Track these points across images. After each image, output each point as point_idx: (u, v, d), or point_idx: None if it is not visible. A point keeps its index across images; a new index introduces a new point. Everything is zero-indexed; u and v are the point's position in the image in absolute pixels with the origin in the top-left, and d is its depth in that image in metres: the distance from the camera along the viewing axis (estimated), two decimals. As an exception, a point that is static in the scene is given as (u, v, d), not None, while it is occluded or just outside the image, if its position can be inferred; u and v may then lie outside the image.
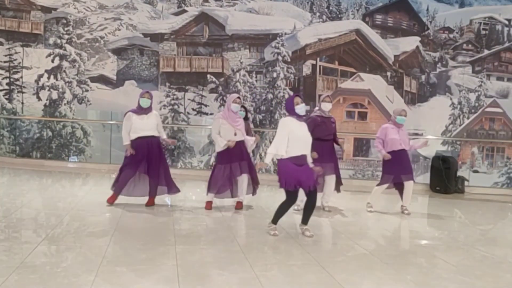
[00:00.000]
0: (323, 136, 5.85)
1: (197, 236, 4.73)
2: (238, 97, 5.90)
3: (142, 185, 5.93)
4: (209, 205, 5.96)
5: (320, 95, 6.15)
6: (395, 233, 5.56)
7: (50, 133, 9.63)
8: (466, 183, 8.82)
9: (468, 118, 9.35)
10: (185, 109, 9.55)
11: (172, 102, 9.50)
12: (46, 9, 9.75)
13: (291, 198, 4.75)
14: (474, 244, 4.97)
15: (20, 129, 9.71)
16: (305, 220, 4.86)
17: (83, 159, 9.60)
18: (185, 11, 9.78)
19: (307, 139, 4.72)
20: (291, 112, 4.72)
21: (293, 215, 5.70)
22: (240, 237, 4.74)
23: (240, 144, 5.85)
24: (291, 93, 9.39)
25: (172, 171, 5.97)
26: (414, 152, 9.34)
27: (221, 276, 3.53)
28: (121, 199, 6.05)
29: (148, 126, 5.79)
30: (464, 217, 7.02)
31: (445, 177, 8.47)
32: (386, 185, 6.28)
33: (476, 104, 9.35)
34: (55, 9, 9.75)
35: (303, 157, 4.68)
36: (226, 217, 5.61)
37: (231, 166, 5.80)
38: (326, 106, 5.93)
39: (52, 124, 9.63)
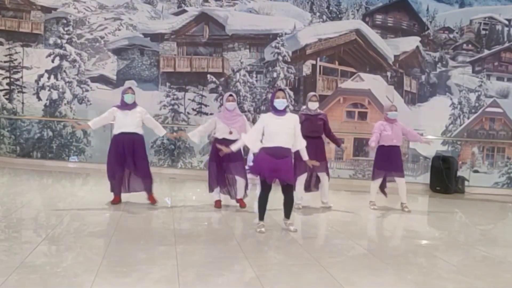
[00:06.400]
0: (308, 133, 5.87)
1: (197, 236, 4.73)
2: (231, 95, 5.90)
3: (134, 180, 5.95)
4: (218, 204, 6.01)
5: (307, 95, 6.29)
6: (395, 233, 5.56)
7: (50, 133, 9.64)
8: (466, 183, 8.82)
9: (468, 118, 9.34)
10: (185, 109, 9.55)
11: (172, 102, 9.50)
12: (46, 9, 9.74)
13: (263, 188, 4.88)
14: (474, 244, 4.97)
15: (21, 129, 9.71)
16: (286, 214, 5.04)
17: (83, 159, 9.60)
18: (185, 11, 9.77)
19: (287, 131, 4.79)
20: (271, 103, 4.88)
21: (292, 215, 5.69)
22: (240, 237, 4.74)
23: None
24: (291, 93, 9.40)
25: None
26: (415, 152, 9.35)
27: (221, 276, 3.53)
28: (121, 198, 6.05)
29: (131, 122, 5.77)
30: (464, 217, 7.01)
31: (445, 177, 8.47)
32: (380, 179, 6.46)
33: (476, 104, 9.34)
34: (55, 9, 9.75)
35: (280, 149, 4.76)
36: (226, 217, 5.61)
37: (222, 164, 5.82)
38: (313, 105, 6.11)
39: (52, 124, 9.64)
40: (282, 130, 4.77)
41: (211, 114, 9.47)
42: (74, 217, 5.16)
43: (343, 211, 6.32)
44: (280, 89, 4.94)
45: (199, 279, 3.44)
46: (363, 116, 9.41)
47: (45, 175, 8.29)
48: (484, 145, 9.31)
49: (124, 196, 5.98)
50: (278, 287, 3.40)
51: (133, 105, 5.84)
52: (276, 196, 7.11)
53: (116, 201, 5.89)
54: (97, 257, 3.79)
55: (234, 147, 5.08)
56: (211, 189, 6.04)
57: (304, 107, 6.32)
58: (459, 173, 8.84)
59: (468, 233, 5.74)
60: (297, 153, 5.76)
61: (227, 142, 5.75)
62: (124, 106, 5.80)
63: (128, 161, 5.78)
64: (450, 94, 9.44)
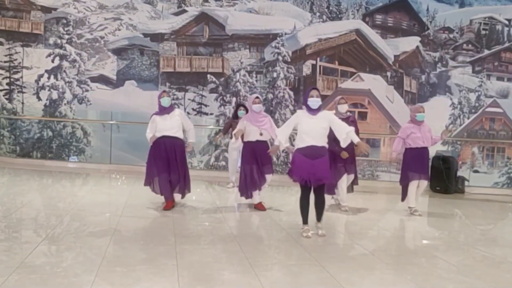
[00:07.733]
0: None
1: (197, 236, 4.72)
2: (257, 97, 5.93)
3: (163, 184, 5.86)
4: (261, 206, 5.99)
5: (335, 99, 6.24)
6: (395, 233, 5.56)
7: (50, 133, 9.64)
8: (466, 183, 8.82)
9: (468, 118, 9.35)
10: (185, 109, 9.55)
11: (172, 102, 9.47)
12: (46, 9, 9.75)
13: (302, 192, 4.76)
14: (474, 244, 4.96)
15: (21, 129, 9.72)
16: (318, 217, 4.89)
17: (83, 159, 9.61)
18: (185, 11, 9.78)
19: (319, 131, 4.64)
20: (305, 102, 4.76)
21: (292, 215, 5.70)
22: (240, 237, 4.73)
23: (265, 145, 5.86)
24: (291, 93, 9.41)
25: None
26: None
27: (221, 276, 3.53)
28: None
29: (171, 126, 5.75)
30: (464, 217, 7.01)
31: (445, 177, 8.47)
32: (416, 182, 6.20)
33: (476, 104, 9.35)
34: (55, 9, 9.75)
35: (315, 148, 4.61)
36: (226, 217, 5.61)
37: (256, 166, 5.83)
38: (343, 108, 6.01)
39: (52, 124, 9.64)
40: (315, 129, 4.63)
41: (211, 114, 9.48)
42: (74, 217, 5.15)
43: (343, 211, 6.31)
44: (314, 88, 4.82)
45: (199, 279, 3.44)
46: (363, 116, 9.41)
47: (45, 175, 8.29)
48: (484, 145, 9.32)
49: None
50: (278, 287, 3.40)
51: (171, 108, 5.83)
52: (277, 196, 7.12)
53: (170, 206, 5.75)
54: (97, 257, 3.79)
55: (276, 145, 5.06)
56: (246, 194, 5.95)
57: (333, 112, 6.12)
58: (459, 173, 8.84)
59: (468, 233, 5.74)
60: (337, 155, 5.79)
61: (259, 143, 5.83)
62: (163, 110, 5.78)
63: (167, 165, 5.72)
64: (450, 94, 9.45)
